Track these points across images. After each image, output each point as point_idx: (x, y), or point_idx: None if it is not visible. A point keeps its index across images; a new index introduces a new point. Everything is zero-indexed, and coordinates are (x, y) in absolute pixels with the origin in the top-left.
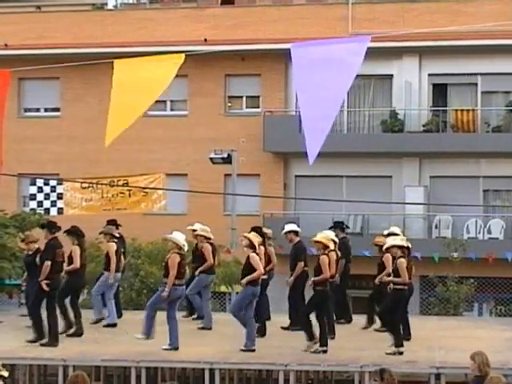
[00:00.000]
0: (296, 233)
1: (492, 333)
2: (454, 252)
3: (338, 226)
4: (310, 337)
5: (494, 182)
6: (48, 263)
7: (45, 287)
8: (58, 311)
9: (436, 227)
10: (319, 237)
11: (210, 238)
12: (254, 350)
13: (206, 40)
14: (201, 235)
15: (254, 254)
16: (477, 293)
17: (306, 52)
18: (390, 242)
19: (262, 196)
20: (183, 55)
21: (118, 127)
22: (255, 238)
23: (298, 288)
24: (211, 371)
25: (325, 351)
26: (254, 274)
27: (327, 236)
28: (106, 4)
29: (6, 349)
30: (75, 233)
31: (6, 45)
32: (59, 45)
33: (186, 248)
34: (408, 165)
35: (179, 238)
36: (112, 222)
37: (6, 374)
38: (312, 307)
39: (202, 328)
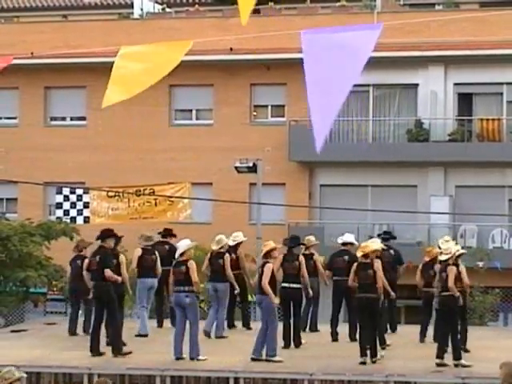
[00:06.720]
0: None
1: None
2: (480, 262)
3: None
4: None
5: None
6: None
7: None
8: None
9: (461, 237)
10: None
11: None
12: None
13: (231, 49)
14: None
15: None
16: (502, 303)
17: (316, 39)
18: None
19: (287, 205)
20: (191, 42)
21: (117, 95)
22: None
23: None
24: (236, 380)
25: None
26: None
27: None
28: (132, 13)
29: (32, 357)
30: None
31: (32, 54)
32: (85, 54)
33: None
34: (433, 174)
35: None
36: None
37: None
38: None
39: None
